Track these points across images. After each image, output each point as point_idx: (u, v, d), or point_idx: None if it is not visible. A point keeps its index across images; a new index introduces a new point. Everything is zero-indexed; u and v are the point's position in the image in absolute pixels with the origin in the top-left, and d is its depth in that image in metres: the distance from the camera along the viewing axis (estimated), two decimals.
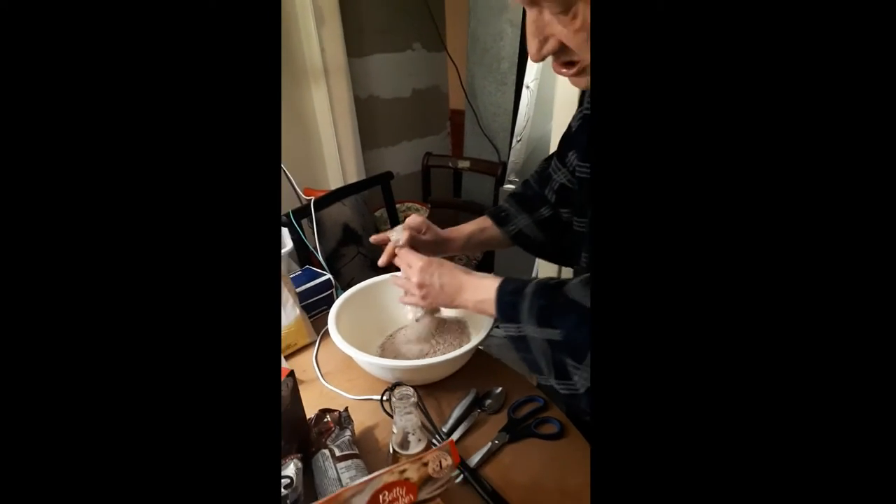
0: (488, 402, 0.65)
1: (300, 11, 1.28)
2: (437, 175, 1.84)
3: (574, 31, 0.36)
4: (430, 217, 0.71)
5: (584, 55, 0.38)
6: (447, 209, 1.73)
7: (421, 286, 0.59)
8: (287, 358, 0.75)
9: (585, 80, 0.40)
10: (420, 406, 0.62)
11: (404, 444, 0.44)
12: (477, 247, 0.75)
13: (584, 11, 0.34)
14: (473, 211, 1.61)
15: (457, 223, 0.75)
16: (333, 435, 0.53)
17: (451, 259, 0.61)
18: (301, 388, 0.57)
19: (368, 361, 0.61)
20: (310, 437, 0.53)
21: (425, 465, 0.38)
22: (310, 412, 0.56)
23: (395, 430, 0.44)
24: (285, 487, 0.40)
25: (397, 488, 0.37)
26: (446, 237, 0.71)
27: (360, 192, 1.13)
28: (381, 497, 0.36)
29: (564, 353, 0.43)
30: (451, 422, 0.61)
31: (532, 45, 0.39)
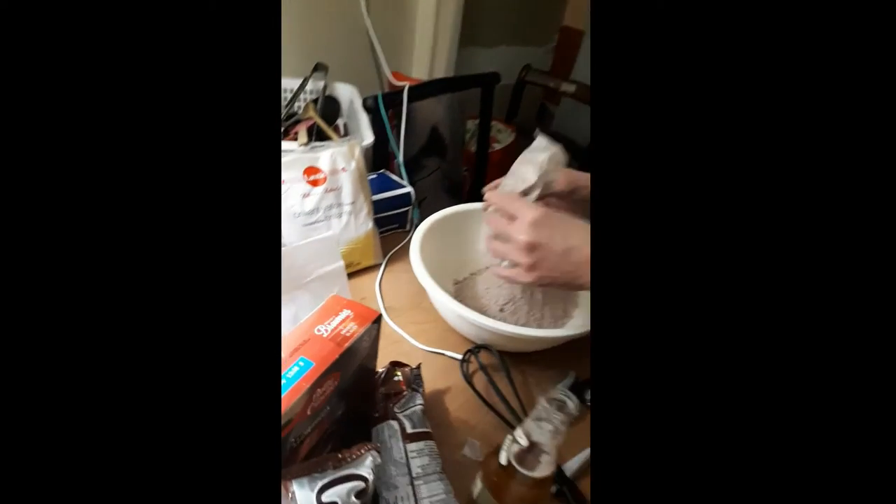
0: (590, 392, 0.50)
1: None
2: (528, 95, 1.58)
3: None
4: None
5: None
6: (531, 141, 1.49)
7: (531, 248, 0.40)
8: (348, 278, 0.62)
9: None
10: (509, 380, 0.48)
11: (529, 461, 0.31)
12: None
13: None
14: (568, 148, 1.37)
15: None
16: (403, 401, 0.41)
17: None
18: None
19: (458, 312, 0.47)
20: (375, 396, 0.41)
21: None
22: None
23: (519, 440, 0.30)
24: (357, 496, 0.27)
25: None
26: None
27: (456, 91, 0.91)
28: None
29: None
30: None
31: None
